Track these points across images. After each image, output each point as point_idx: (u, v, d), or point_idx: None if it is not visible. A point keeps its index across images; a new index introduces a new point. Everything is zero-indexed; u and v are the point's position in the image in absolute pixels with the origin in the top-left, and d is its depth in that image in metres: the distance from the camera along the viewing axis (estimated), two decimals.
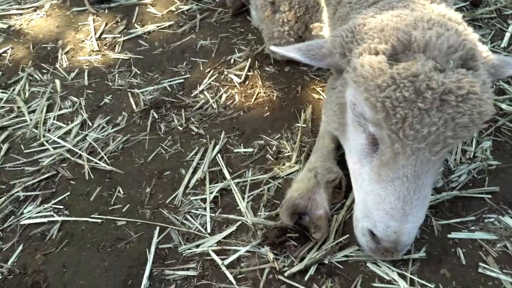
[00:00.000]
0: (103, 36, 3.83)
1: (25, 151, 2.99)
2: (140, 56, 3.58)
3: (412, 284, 2.00)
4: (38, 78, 3.53)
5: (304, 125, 2.80)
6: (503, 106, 2.71)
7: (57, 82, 3.45)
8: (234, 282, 2.13)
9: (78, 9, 4.14)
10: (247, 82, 3.20)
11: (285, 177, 2.53)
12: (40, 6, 4.24)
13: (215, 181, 2.60)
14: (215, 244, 2.30)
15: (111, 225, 2.48)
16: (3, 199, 2.69)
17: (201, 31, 3.73)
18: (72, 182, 2.75)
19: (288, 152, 2.68)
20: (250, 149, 2.74)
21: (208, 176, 2.62)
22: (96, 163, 2.81)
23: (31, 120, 3.19)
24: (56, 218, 2.56)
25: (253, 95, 3.09)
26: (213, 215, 2.43)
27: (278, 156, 2.67)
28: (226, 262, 2.21)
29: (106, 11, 4.08)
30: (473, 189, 2.34)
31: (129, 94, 3.26)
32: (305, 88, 3.08)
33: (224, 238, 2.32)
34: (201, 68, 3.38)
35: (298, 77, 3.17)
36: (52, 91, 3.40)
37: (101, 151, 2.87)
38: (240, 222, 2.37)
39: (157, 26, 3.82)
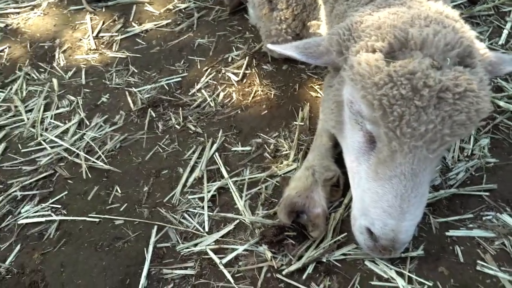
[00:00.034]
0: (101, 34, 3.82)
1: (23, 150, 2.98)
2: (137, 55, 3.57)
3: (410, 282, 2.00)
4: (35, 77, 3.53)
5: (302, 123, 2.80)
6: (501, 103, 2.71)
7: (55, 81, 3.44)
8: (232, 281, 2.13)
9: (75, 8, 4.12)
10: (244, 81, 3.20)
11: (283, 175, 2.53)
12: (37, 4, 4.22)
13: (212, 179, 2.60)
14: (213, 243, 2.30)
15: (109, 224, 2.47)
16: (0, 198, 2.69)
17: (198, 29, 3.72)
18: (69, 181, 2.75)
19: (286, 150, 2.67)
20: (248, 148, 2.74)
21: (205, 174, 2.62)
22: (93, 162, 2.80)
23: (28, 119, 3.18)
24: (54, 217, 2.56)
25: (250, 94, 3.09)
26: (211, 214, 2.43)
27: (276, 154, 2.67)
28: (224, 261, 2.20)
29: (103, 10, 4.07)
30: (471, 187, 2.34)
31: (127, 93, 3.25)
32: (303, 86, 3.08)
33: (222, 237, 2.32)
34: (199, 67, 3.37)
35: (296, 75, 3.16)
36: (50, 90, 3.39)
37: (98, 150, 2.87)
38: (238, 221, 2.37)
39: (155, 25, 3.81)
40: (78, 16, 4.04)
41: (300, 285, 2.06)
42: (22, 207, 2.64)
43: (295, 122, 2.82)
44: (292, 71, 3.20)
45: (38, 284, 2.28)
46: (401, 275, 2.02)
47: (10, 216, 2.61)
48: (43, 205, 2.63)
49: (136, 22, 3.89)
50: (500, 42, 3.16)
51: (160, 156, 2.79)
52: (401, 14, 1.78)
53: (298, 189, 2.23)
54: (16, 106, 3.30)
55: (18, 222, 2.56)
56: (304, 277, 2.09)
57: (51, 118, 3.17)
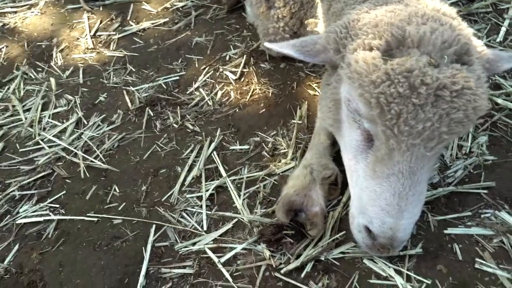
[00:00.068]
0: (98, 33, 3.81)
1: (21, 150, 2.98)
2: (135, 54, 3.56)
3: (409, 280, 2.00)
4: (33, 77, 3.52)
5: (300, 122, 2.79)
6: (499, 101, 2.70)
7: (52, 80, 3.44)
8: (230, 279, 2.13)
9: (72, 7, 4.11)
10: (242, 79, 3.19)
11: (281, 174, 2.52)
12: (34, 4, 4.21)
13: (211, 178, 2.60)
14: (211, 242, 2.29)
15: (107, 224, 2.47)
16: None
17: (196, 28, 3.71)
18: (67, 180, 2.75)
19: (284, 148, 2.67)
20: (246, 146, 2.73)
21: (204, 173, 2.61)
22: (91, 161, 2.80)
23: (26, 118, 3.18)
24: (52, 217, 2.55)
25: (248, 92, 3.08)
26: (209, 212, 2.43)
27: (274, 153, 2.67)
28: (223, 259, 2.20)
29: (101, 9, 4.06)
30: (469, 185, 2.33)
31: (124, 92, 3.25)
32: (301, 84, 3.07)
33: (220, 235, 2.32)
34: (196, 65, 3.37)
35: (294, 74, 3.16)
36: (47, 89, 3.39)
37: (96, 150, 2.87)
38: (236, 220, 2.37)
39: (152, 23, 3.81)
40: (76, 15, 4.03)
41: (298, 284, 2.06)
42: (21, 207, 2.64)
43: (293, 121, 2.82)
44: (290, 69, 3.20)
45: (37, 284, 2.28)
46: (399, 273, 2.02)
47: (9, 216, 2.61)
48: (41, 204, 2.63)
49: (134, 21, 3.88)
50: (498, 40, 3.15)
51: (158, 155, 2.79)
52: (398, 12, 1.78)
53: (296, 188, 2.23)
54: (13, 106, 3.30)
55: (17, 222, 2.56)
56: (302, 275, 2.09)
57: (49, 118, 3.16)
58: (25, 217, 2.58)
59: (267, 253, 2.17)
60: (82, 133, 3.01)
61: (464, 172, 2.39)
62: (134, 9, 3.99)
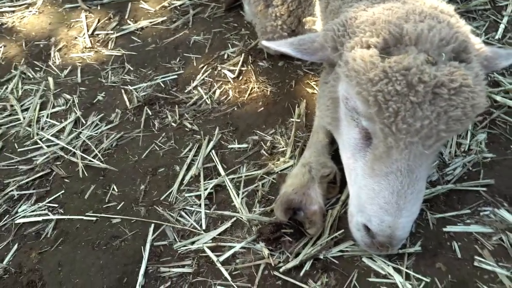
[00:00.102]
0: (96, 32, 3.80)
1: (19, 149, 2.98)
2: (133, 53, 3.56)
3: (408, 278, 1.99)
4: (31, 76, 3.52)
5: (298, 120, 2.79)
6: (498, 98, 2.70)
7: (50, 79, 3.43)
8: (229, 278, 2.13)
9: (70, 6, 4.10)
10: (240, 78, 3.19)
11: (279, 172, 2.52)
12: (32, 3, 4.20)
13: (209, 177, 2.59)
14: (210, 241, 2.29)
15: (106, 223, 2.47)
16: None
17: (194, 26, 3.70)
18: (66, 180, 2.74)
19: (283, 147, 2.67)
20: (244, 145, 2.73)
21: (202, 172, 2.61)
22: (90, 160, 2.80)
23: (24, 118, 3.18)
24: (51, 216, 2.55)
25: (247, 91, 3.08)
26: (208, 211, 2.43)
27: (272, 151, 2.66)
28: (221, 258, 2.20)
29: (99, 8, 4.05)
30: (468, 182, 2.33)
31: (123, 91, 3.24)
32: (299, 82, 3.06)
33: (219, 234, 2.31)
34: (195, 64, 3.36)
35: (292, 72, 3.15)
36: (45, 88, 3.38)
37: (95, 149, 2.86)
38: (235, 218, 2.37)
39: (150, 22, 3.80)
40: (73, 14, 4.02)
41: (297, 282, 2.06)
42: (19, 207, 2.64)
43: (291, 119, 2.81)
44: (288, 67, 3.19)
45: (36, 284, 2.28)
46: (398, 271, 2.02)
47: (7, 216, 2.60)
48: (40, 204, 2.63)
49: (132, 19, 3.87)
50: (496, 37, 3.14)
51: (156, 154, 2.78)
52: (396, 9, 1.78)
53: (295, 186, 2.22)
54: (12, 105, 3.29)
55: (15, 222, 2.56)
56: (301, 274, 2.09)
57: (47, 117, 3.16)
58: (23, 216, 2.58)
59: (266, 252, 2.17)
60: (81, 132, 3.00)
61: (463, 169, 2.39)
62: (132, 8, 3.98)
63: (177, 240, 2.33)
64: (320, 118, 2.38)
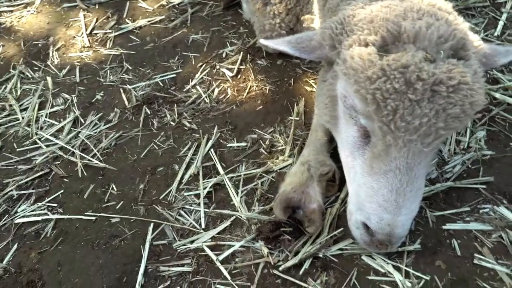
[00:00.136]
0: (94, 32, 3.80)
1: (18, 149, 2.98)
2: (131, 52, 3.55)
3: (407, 276, 1.99)
4: (30, 76, 3.52)
5: (297, 118, 2.78)
6: (497, 95, 2.69)
7: (49, 79, 3.43)
8: (229, 277, 2.12)
9: (68, 5, 4.10)
10: (239, 76, 3.18)
11: (278, 171, 2.52)
12: (30, 2, 4.21)
13: (208, 176, 2.59)
14: (210, 240, 2.29)
15: (105, 223, 2.47)
16: None
17: (192, 25, 3.70)
18: (65, 179, 2.74)
19: (282, 145, 2.66)
20: (243, 144, 2.73)
21: (201, 171, 2.61)
22: (89, 160, 2.80)
23: (23, 118, 3.18)
24: (50, 216, 2.56)
25: (245, 89, 3.07)
26: (207, 210, 2.42)
27: (271, 150, 2.66)
28: (221, 257, 2.20)
29: (97, 7, 4.05)
30: (467, 180, 2.32)
31: (121, 90, 3.24)
32: (298, 80, 3.06)
33: (219, 233, 2.31)
34: (193, 63, 3.36)
35: (291, 70, 3.15)
36: (44, 88, 3.38)
37: (93, 148, 2.86)
38: (234, 217, 2.37)
39: (148, 21, 3.80)
40: (72, 14, 4.02)
41: (297, 281, 2.06)
42: (19, 206, 2.64)
43: (290, 117, 2.81)
44: (287, 65, 3.19)
45: (36, 283, 2.28)
46: (398, 269, 2.02)
47: (7, 216, 2.61)
48: (39, 204, 2.63)
49: (130, 18, 3.87)
50: (495, 34, 3.13)
51: (155, 153, 2.78)
52: (394, 7, 1.77)
53: (294, 185, 2.22)
54: (10, 105, 3.29)
55: (15, 222, 2.56)
56: (301, 272, 2.09)
57: (46, 117, 3.16)
58: (23, 216, 2.58)
59: (265, 251, 2.16)
60: (79, 132, 3.01)
61: (462, 167, 2.39)
62: (130, 6, 3.98)
63: (177, 239, 2.33)
64: (318, 116, 2.38)
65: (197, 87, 3.16)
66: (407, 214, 1.79)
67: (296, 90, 2.99)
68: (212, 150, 2.72)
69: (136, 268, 2.24)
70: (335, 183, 2.33)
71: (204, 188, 2.51)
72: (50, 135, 3.00)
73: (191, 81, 3.20)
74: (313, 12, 2.58)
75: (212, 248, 2.25)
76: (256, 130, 2.79)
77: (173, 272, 2.20)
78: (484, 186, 2.29)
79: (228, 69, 3.23)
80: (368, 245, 1.96)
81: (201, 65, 3.31)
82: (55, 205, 2.61)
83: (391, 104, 1.59)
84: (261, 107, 2.93)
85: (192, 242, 2.30)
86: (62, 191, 2.68)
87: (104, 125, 3.02)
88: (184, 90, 3.16)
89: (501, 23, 3.20)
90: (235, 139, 2.77)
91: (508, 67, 2.89)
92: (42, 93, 3.34)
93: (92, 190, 2.65)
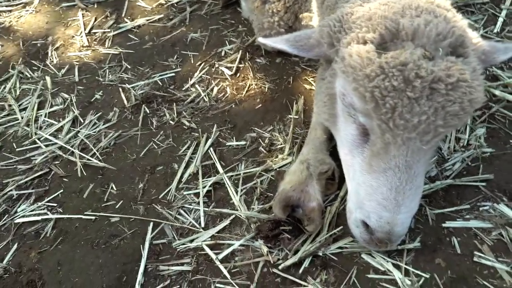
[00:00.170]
0: (93, 31, 3.80)
1: (17, 149, 2.98)
2: (130, 51, 3.55)
3: (407, 274, 1.99)
4: (29, 75, 3.51)
5: (296, 117, 2.78)
6: (497, 92, 2.68)
7: (48, 79, 3.43)
8: (228, 276, 2.12)
9: (67, 4, 4.10)
10: (238, 74, 3.18)
11: (278, 169, 2.51)
12: (29, 2, 4.21)
13: (208, 175, 2.59)
14: (209, 239, 2.29)
15: (105, 222, 2.47)
16: None
17: (191, 23, 3.69)
18: (65, 179, 2.74)
19: (281, 144, 2.66)
20: (243, 142, 2.72)
21: (200, 170, 2.60)
22: (88, 159, 2.80)
23: (22, 118, 3.17)
24: (50, 216, 2.56)
25: (244, 87, 3.07)
26: (207, 209, 2.42)
27: (270, 148, 2.66)
28: (220, 256, 2.20)
29: (96, 6, 4.05)
30: (467, 177, 2.32)
31: (120, 89, 3.24)
32: (297, 79, 3.06)
33: (218, 232, 2.31)
34: (192, 61, 3.35)
35: (290, 68, 3.14)
36: (43, 88, 3.38)
37: (93, 148, 2.86)
38: (233, 216, 2.36)
39: (147, 20, 3.79)
40: (70, 13, 4.02)
41: (296, 279, 2.05)
42: (18, 206, 2.64)
43: (289, 116, 2.81)
44: (286, 64, 3.18)
45: (36, 283, 2.28)
46: (397, 267, 2.01)
47: (7, 215, 2.61)
48: (39, 203, 2.63)
49: (129, 17, 3.87)
50: (495, 30, 3.13)
51: (154, 153, 2.78)
52: (392, 4, 1.76)
53: (293, 183, 2.22)
54: (10, 105, 3.29)
55: (15, 221, 2.56)
56: (300, 271, 2.09)
57: (45, 116, 3.16)
58: (23, 216, 2.58)
59: (264, 249, 2.16)
60: (79, 131, 3.00)
61: (462, 164, 2.38)
62: (128, 5, 3.98)
63: (176, 238, 2.33)
64: (317, 114, 2.37)
65: (196, 86, 3.15)
66: (406, 212, 1.78)
67: (295, 88, 2.98)
68: (211, 149, 2.71)
69: (135, 268, 2.23)
70: (334, 181, 2.32)
71: (204, 187, 2.51)
72: (49, 135, 3.00)
73: (190, 80, 3.20)
74: (311, 10, 2.58)
75: (211, 247, 2.25)
76: (255, 128, 2.78)
77: (173, 271, 2.20)
78: (484, 184, 2.29)
79: (227, 67, 3.23)
80: (368, 244, 1.96)
81: (200, 64, 3.31)
82: (55, 204, 2.61)
83: (389, 102, 1.58)
84: (260, 105, 2.93)
85: (191, 241, 2.30)
86: (61, 190, 2.68)
87: (103, 124, 3.02)
88: (183, 89, 3.15)
89: (500, 20, 3.19)
90: (234, 137, 2.77)
91: (507, 64, 2.89)
92: (41, 93, 3.34)
93: (91, 189, 2.65)
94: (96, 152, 2.83)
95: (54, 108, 3.21)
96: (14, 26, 3.97)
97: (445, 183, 2.29)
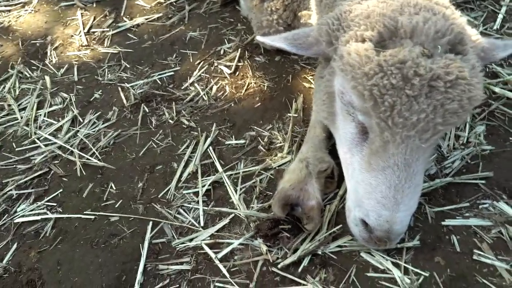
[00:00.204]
0: (92, 30, 3.79)
1: (17, 149, 2.98)
2: (129, 50, 3.55)
3: (406, 273, 1.99)
4: (28, 75, 3.51)
5: (296, 115, 2.77)
6: (496, 89, 2.68)
7: (47, 78, 3.42)
8: (227, 275, 2.12)
9: (66, 4, 4.10)
10: (237, 73, 3.17)
11: (277, 168, 2.51)
12: (28, 1, 4.20)
13: (207, 174, 2.59)
14: (208, 238, 2.29)
15: (104, 221, 2.47)
16: None
17: (190, 22, 3.69)
18: (64, 179, 2.74)
19: (280, 142, 2.66)
20: (242, 141, 2.72)
21: (200, 169, 2.60)
22: (87, 159, 2.79)
23: (21, 117, 3.17)
24: (50, 215, 2.55)
25: (243, 86, 3.06)
26: (206, 208, 2.42)
27: (270, 147, 2.65)
28: (220, 255, 2.20)
29: (94, 5, 4.04)
30: (466, 175, 2.31)
31: (119, 89, 3.23)
32: (296, 77, 3.05)
33: (217, 231, 2.31)
34: (191, 60, 3.35)
35: (289, 66, 3.14)
36: (42, 87, 3.38)
37: (92, 147, 2.86)
38: (233, 215, 2.36)
39: (146, 19, 3.79)
40: (69, 12, 4.01)
41: (296, 278, 2.05)
42: (18, 206, 2.64)
43: (288, 114, 2.80)
44: (285, 62, 3.17)
45: (35, 282, 2.28)
46: (397, 266, 2.01)
47: (6, 215, 2.61)
48: (39, 203, 2.63)
49: (127, 16, 3.86)
50: (494, 27, 3.12)
51: (154, 152, 2.77)
52: (390, 2, 1.75)
53: (292, 182, 2.21)
54: (9, 105, 3.29)
55: (14, 221, 2.56)
56: (299, 270, 2.08)
57: (44, 116, 3.16)
58: (22, 216, 2.58)
59: (264, 248, 2.16)
60: (78, 131, 3.00)
61: (461, 162, 2.38)
62: (127, 4, 3.97)
63: (175, 237, 2.33)
64: (316, 113, 2.37)
65: (195, 84, 3.15)
66: (405, 211, 1.78)
67: (294, 87, 2.98)
68: (210, 147, 2.71)
69: (135, 267, 2.23)
70: (333, 180, 2.32)
71: (203, 186, 2.51)
72: (48, 134, 3.00)
73: (189, 79, 3.19)
74: (310, 8, 2.57)
75: (211, 246, 2.25)
76: (255, 127, 2.78)
77: (172, 271, 2.20)
78: (483, 181, 2.28)
79: (226, 66, 3.22)
80: (367, 242, 1.96)
81: (199, 63, 3.30)
82: (54, 204, 2.61)
83: (388, 100, 1.58)
84: (259, 104, 2.92)
85: (191, 240, 2.30)
86: (61, 190, 2.67)
87: (103, 123, 3.01)
88: (182, 88, 3.15)
89: (500, 17, 3.18)
90: (233, 136, 2.77)
91: (507, 61, 2.88)
92: (40, 93, 3.33)
93: (91, 189, 2.65)
94: (96, 151, 2.83)
95: (54, 107, 3.21)
96: (13, 25, 3.97)
97: (444, 181, 2.28)
